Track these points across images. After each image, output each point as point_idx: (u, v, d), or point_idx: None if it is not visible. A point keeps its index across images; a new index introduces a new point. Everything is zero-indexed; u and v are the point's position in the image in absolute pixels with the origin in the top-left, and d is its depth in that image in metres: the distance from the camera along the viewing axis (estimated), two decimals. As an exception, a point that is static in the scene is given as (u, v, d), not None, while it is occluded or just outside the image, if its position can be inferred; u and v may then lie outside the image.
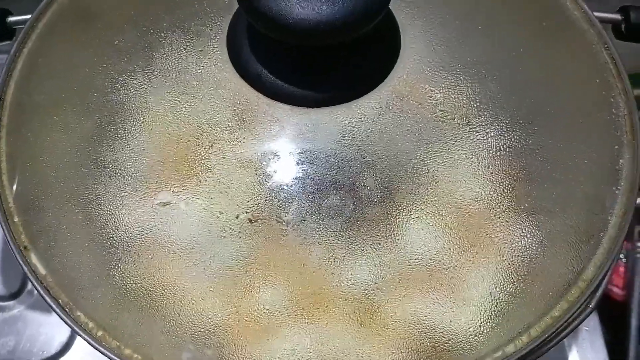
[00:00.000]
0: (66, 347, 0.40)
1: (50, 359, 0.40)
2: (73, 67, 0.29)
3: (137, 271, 0.25)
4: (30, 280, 0.25)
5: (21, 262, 0.25)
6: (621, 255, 0.47)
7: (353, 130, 0.26)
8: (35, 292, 0.42)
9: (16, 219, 0.26)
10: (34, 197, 0.26)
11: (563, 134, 0.26)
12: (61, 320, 0.41)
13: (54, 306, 0.24)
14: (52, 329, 0.41)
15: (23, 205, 0.26)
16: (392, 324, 0.24)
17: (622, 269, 0.46)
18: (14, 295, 0.42)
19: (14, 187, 0.27)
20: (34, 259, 0.25)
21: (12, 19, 0.32)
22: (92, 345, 0.23)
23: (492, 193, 0.25)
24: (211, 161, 0.26)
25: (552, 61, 0.28)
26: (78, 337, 0.41)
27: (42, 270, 0.25)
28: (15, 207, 0.26)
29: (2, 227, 0.26)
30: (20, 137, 0.28)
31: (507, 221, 0.25)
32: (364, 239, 0.24)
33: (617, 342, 0.43)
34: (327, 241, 0.24)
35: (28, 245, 0.25)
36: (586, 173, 0.26)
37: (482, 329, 0.24)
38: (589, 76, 0.28)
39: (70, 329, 0.40)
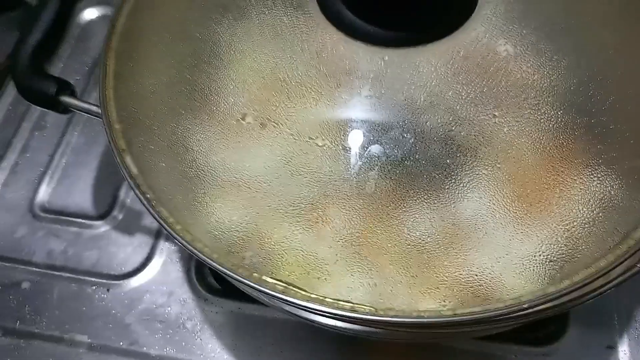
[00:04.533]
0: (141, 267, 0.45)
1: (126, 275, 0.44)
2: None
3: (217, 189, 0.27)
4: (125, 176, 0.28)
5: (119, 162, 0.29)
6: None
7: (423, 73, 0.27)
8: (120, 216, 0.47)
9: (117, 126, 0.30)
10: (133, 109, 0.30)
11: (632, 94, 0.27)
12: (141, 243, 0.45)
13: (141, 198, 0.27)
14: (131, 250, 0.45)
15: (124, 116, 0.30)
16: (439, 268, 0.25)
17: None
18: (102, 216, 0.47)
19: (118, 100, 0.31)
20: (128, 160, 0.29)
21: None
22: (167, 232, 0.26)
23: (552, 150, 0.26)
24: (287, 92, 0.28)
25: (633, 34, 0.28)
26: (153, 260, 0.45)
27: (134, 169, 0.28)
28: (117, 116, 0.30)
29: (105, 132, 0.30)
30: (126, 58, 0.32)
31: (564, 179, 0.26)
32: (420, 172, 0.26)
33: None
34: (386, 169, 0.26)
35: (125, 149, 0.29)
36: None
37: (525, 274, 0.25)
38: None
39: (147, 251, 0.45)
